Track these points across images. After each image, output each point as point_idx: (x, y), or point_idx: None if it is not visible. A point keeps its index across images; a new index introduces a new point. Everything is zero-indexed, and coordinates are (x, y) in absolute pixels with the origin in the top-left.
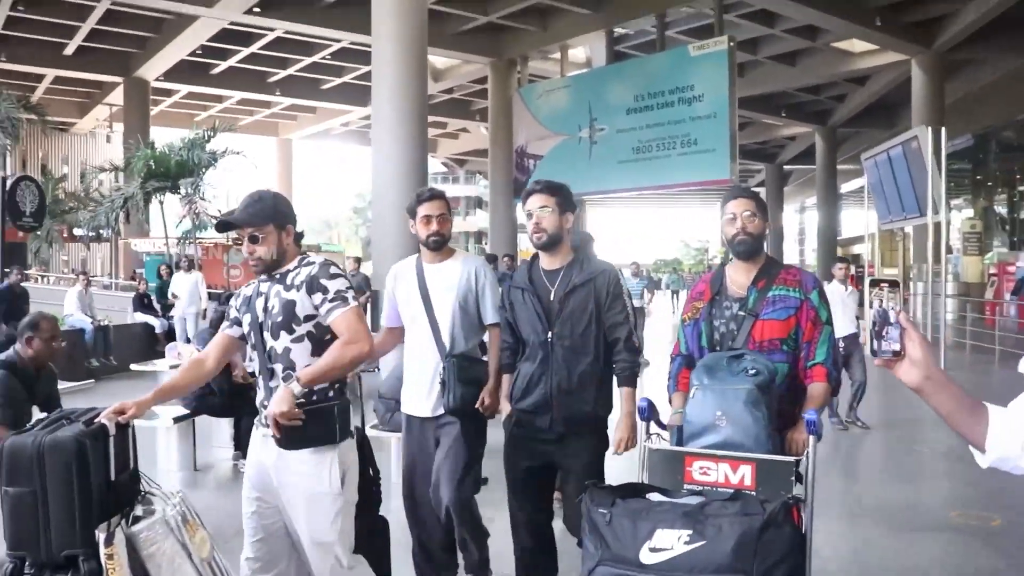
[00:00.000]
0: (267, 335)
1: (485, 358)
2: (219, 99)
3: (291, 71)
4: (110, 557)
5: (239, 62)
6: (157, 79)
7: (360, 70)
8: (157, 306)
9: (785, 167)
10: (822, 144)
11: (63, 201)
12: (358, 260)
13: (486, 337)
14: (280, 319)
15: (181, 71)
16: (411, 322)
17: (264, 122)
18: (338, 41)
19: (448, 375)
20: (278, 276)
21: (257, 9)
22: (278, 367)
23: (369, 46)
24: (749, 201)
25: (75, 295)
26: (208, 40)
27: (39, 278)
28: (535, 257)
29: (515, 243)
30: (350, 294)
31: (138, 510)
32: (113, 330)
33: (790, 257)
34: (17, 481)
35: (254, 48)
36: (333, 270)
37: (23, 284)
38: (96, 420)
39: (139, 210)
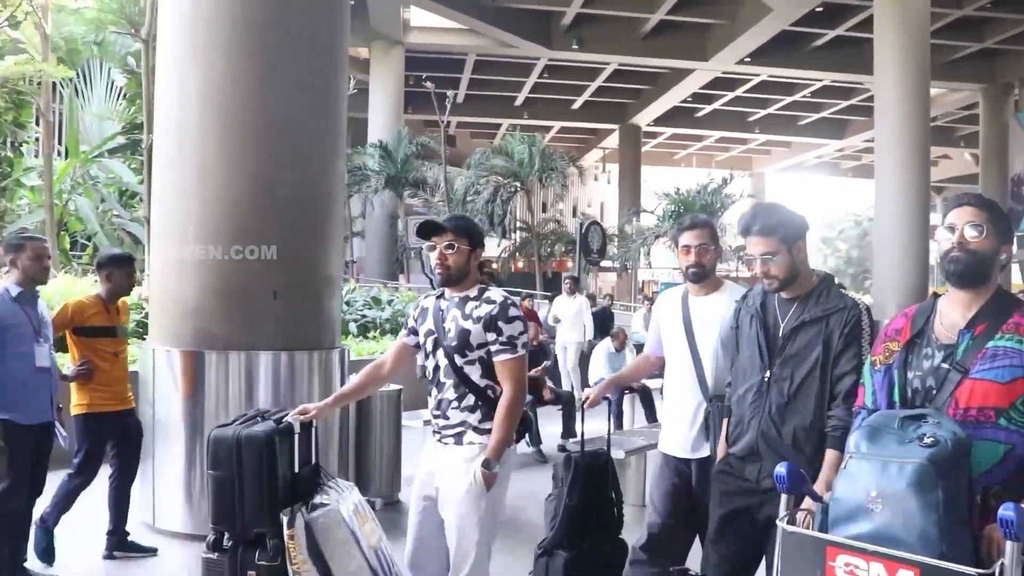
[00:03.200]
0: (440, 352)
1: None
2: (699, 139)
3: (770, 110)
4: (291, 538)
5: (723, 105)
6: (648, 124)
7: (838, 105)
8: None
9: None
10: None
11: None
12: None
13: None
14: (455, 344)
15: (670, 116)
16: (674, 357)
17: (739, 157)
18: (819, 80)
19: (713, 421)
20: (458, 300)
21: (748, 59)
22: (449, 382)
23: (850, 83)
24: (975, 210)
25: (641, 316)
26: (698, 88)
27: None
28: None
29: (1009, 276)
30: (521, 340)
31: (317, 499)
32: None
33: None
34: (219, 466)
35: (738, 92)
36: (512, 312)
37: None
38: (284, 419)
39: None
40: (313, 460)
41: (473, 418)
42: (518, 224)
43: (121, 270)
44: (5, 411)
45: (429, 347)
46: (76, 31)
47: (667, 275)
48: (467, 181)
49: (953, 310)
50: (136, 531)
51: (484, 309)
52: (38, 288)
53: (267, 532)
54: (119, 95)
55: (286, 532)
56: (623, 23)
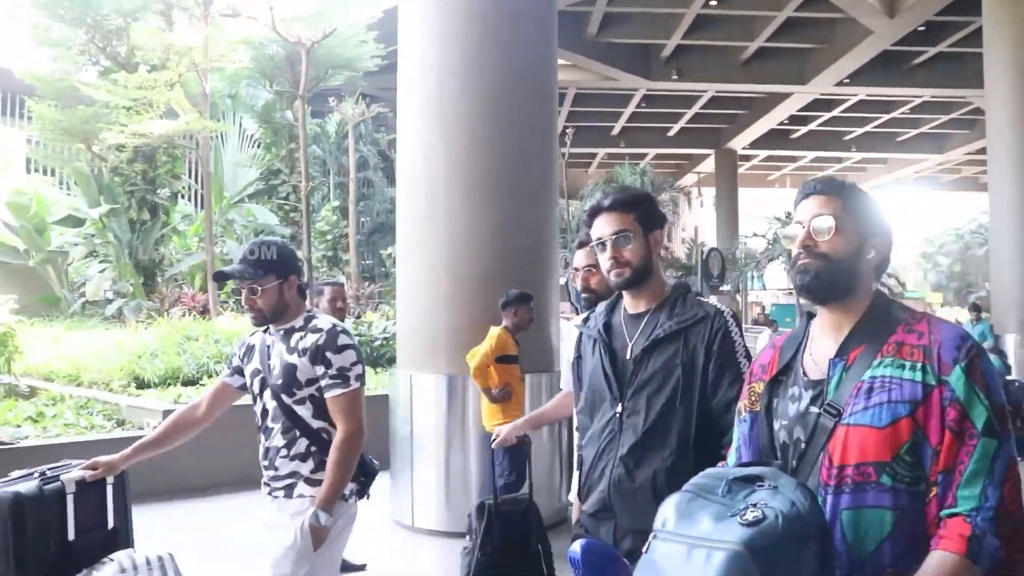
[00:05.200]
0: (267, 393)
1: None
2: (793, 159)
3: (867, 128)
4: None
5: (818, 126)
6: (743, 148)
7: (938, 119)
8: None
9: None
10: None
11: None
12: (977, 308)
13: None
14: (280, 382)
15: (765, 139)
16: None
17: (834, 176)
18: (919, 97)
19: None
20: (283, 332)
21: (847, 80)
22: (276, 427)
23: (951, 97)
24: (823, 199)
25: (767, 337)
26: (795, 111)
27: None
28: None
29: None
30: (353, 372)
31: (83, 574)
32: None
33: None
34: None
35: (835, 112)
36: (341, 340)
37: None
38: (61, 477)
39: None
40: (110, 523)
41: (305, 468)
42: None
43: (524, 307)
44: None
45: (256, 388)
46: (216, 87)
47: (773, 296)
48: (580, 212)
49: (824, 335)
50: (394, 531)
51: (310, 339)
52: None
53: None
54: (251, 143)
55: None
56: (722, 52)
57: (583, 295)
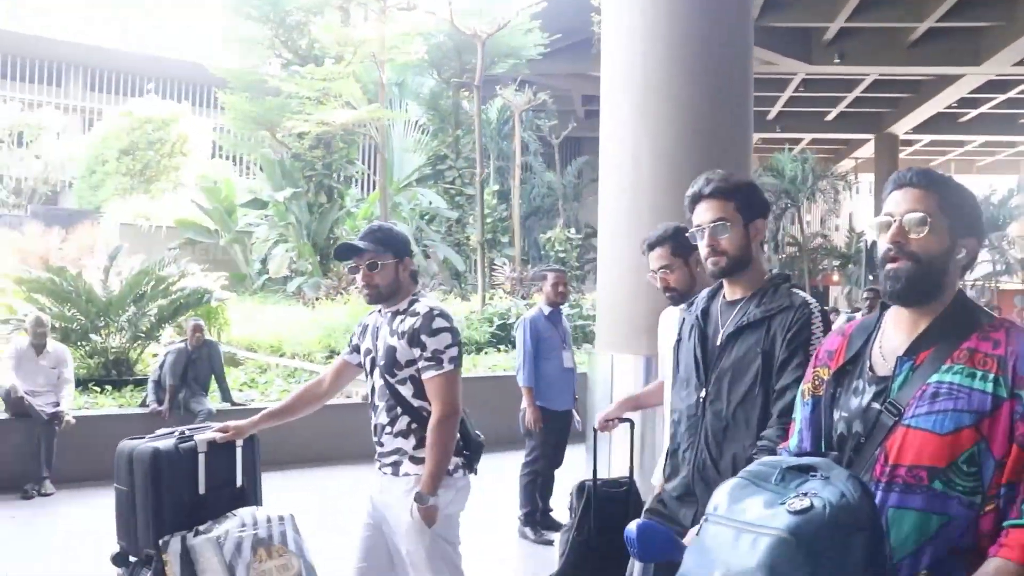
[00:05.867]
0: (376, 373)
1: None
2: (960, 144)
3: None
4: (165, 563)
5: (990, 108)
6: (905, 132)
7: None
8: None
9: None
10: None
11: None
12: None
13: None
14: (383, 363)
15: (930, 123)
16: None
17: (1004, 161)
18: None
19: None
20: (390, 315)
21: None
22: (382, 404)
23: None
24: (919, 193)
25: None
26: (966, 93)
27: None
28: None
29: None
30: (447, 354)
31: (207, 525)
32: None
33: None
34: (119, 480)
35: (1011, 94)
36: (436, 324)
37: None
38: (195, 438)
39: None
40: (239, 482)
41: (408, 444)
42: (787, 240)
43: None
44: (541, 399)
45: (367, 367)
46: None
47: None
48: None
49: (897, 329)
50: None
51: (408, 322)
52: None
53: (153, 553)
54: (416, 129)
55: (164, 556)
56: (888, 33)
57: (666, 294)
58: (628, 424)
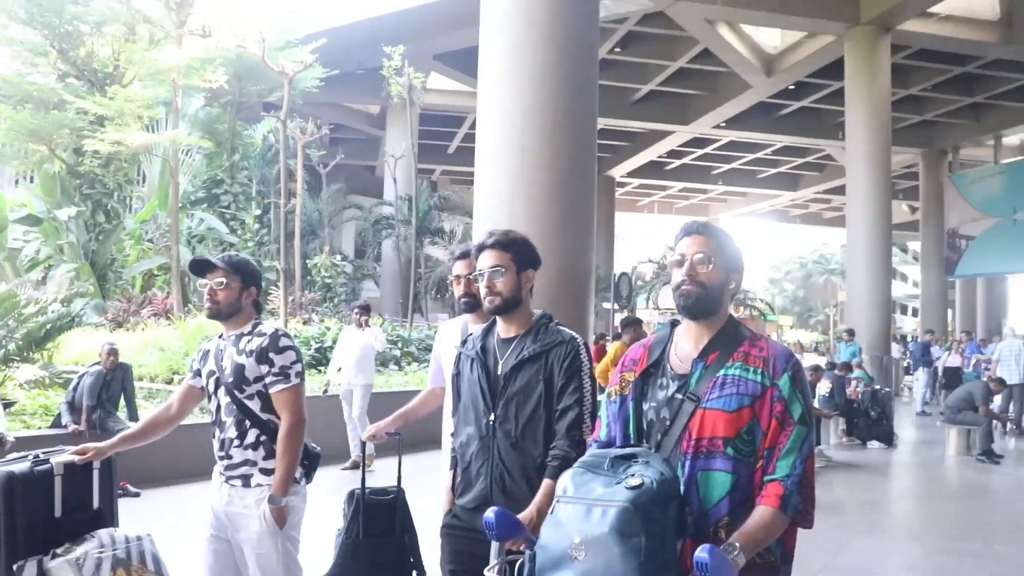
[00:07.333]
0: (221, 391)
1: None
2: (664, 188)
3: (734, 165)
4: None
5: (692, 160)
6: (621, 176)
7: (794, 162)
8: None
9: None
10: None
11: None
12: (851, 332)
13: None
14: (231, 380)
15: (642, 169)
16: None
17: (698, 205)
18: (780, 141)
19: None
20: (234, 337)
21: (723, 124)
22: (229, 420)
23: (807, 144)
24: (703, 240)
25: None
26: (675, 147)
27: None
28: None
29: (945, 316)
30: (293, 369)
31: (64, 548)
32: None
33: None
34: None
35: (708, 150)
36: (282, 343)
37: None
38: (51, 460)
39: None
40: (95, 504)
41: (257, 456)
42: None
43: (638, 327)
44: None
45: (211, 388)
46: (154, 94)
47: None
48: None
49: (687, 340)
50: None
51: (255, 342)
52: None
53: None
54: (185, 152)
55: None
56: (617, 91)
57: (462, 299)
58: (396, 437)
